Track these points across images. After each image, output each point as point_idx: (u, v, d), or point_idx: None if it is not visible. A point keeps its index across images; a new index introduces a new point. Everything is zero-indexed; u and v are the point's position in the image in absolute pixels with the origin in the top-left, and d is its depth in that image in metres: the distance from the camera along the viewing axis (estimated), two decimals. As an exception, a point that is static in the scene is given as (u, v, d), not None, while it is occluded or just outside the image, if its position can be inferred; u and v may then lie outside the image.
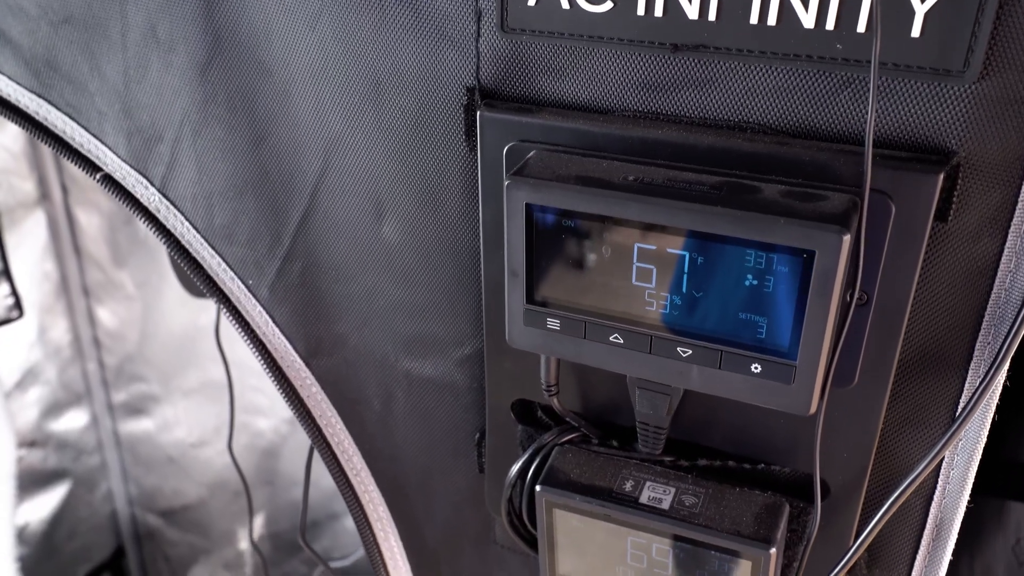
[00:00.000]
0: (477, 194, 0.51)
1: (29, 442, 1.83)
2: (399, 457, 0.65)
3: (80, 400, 1.90)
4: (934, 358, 0.45)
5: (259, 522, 2.02)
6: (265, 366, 0.64)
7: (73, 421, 1.90)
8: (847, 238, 0.39)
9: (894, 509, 0.46)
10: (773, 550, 0.48)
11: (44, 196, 1.69)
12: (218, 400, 1.85)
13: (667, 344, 0.45)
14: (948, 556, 0.50)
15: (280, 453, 1.89)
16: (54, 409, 1.86)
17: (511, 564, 0.66)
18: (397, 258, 0.57)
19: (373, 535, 0.68)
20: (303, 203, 0.57)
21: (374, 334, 0.61)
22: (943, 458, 0.47)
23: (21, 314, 1.70)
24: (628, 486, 0.52)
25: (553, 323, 0.47)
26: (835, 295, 0.40)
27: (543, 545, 0.55)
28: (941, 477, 0.48)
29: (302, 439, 1.86)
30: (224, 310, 0.63)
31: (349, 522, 1.94)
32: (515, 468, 0.56)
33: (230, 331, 1.25)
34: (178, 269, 1.05)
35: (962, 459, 0.47)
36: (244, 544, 2.05)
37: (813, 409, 0.43)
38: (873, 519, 0.47)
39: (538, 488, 0.52)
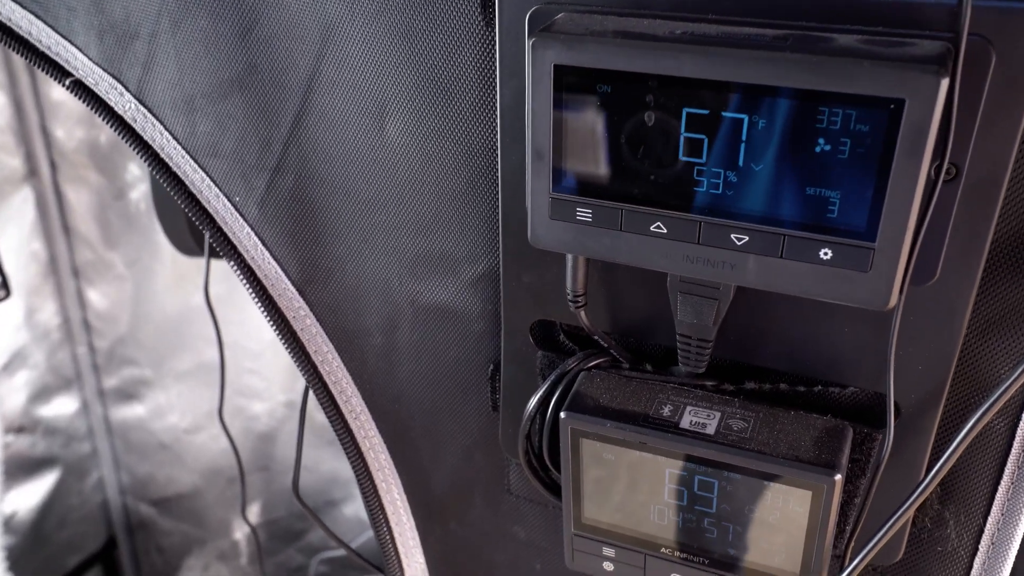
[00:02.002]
0: (493, 78, 0.45)
1: (17, 428, 1.77)
2: (403, 397, 0.58)
3: (70, 385, 1.83)
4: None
5: (254, 510, 1.95)
6: (254, 295, 0.57)
7: (63, 407, 1.83)
8: (944, 82, 0.32)
9: (975, 432, 0.40)
10: (839, 476, 0.41)
11: (32, 172, 1.63)
12: (212, 383, 1.79)
13: (719, 231, 0.38)
14: (1035, 489, 0.43)
15: (276, 438, 1.82)
16: (43, 394, 1.79)
17: (527, 516, 0.59)
18: (402, 164, 0.50)
19: (374, 486, 0.61)
20: (296, 102, 0.51)
21: (376, 255, 0.54)
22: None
23: (8, 294, 1.63)
24: (666, 411, 0.45)
25: (584, 213, 0.41)
26: (926, 157, 0.34)
27: (567, 485, 0.48)
28: (1032, 394, 0.42)
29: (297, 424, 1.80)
30: (209, 234, 0.57)
31: (347, 509, 1.87)
32: (535, 398, 0.50)
33: (226, 314, 1.17)
34: (167, 224, 0.98)
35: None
36: (239, 534, 1.99)
37: (892, 302, 0.37)
38: (949, 446, 0.40)
39: (563, 415, 0.46)
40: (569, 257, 0.44)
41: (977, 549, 0.46)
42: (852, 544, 0.46)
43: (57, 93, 1.54)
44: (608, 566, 0.50)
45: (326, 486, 1.86)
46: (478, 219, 0.50)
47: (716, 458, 0.43)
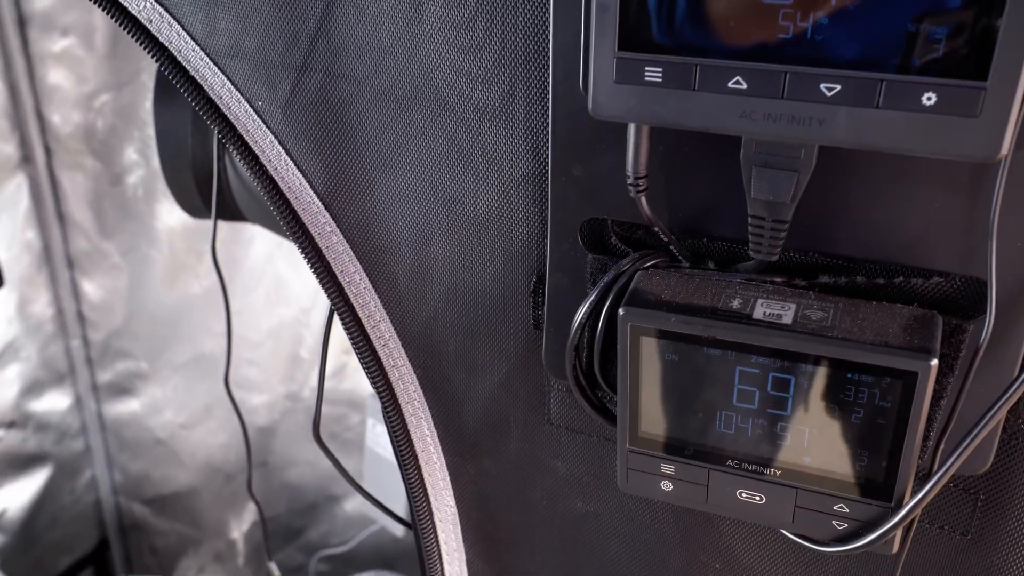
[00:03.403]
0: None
1: (8, 423, 1.72)
2: (436, 319, 0.55)
3: (63, 379, 1.78)
4: None
5: (252, 508, 1.90)
6: (277, 211, 0.54)
7: (55, 402, 1.78)
8: None
9: None
10: (934, 361, 0.37)
11: (26, 159, 1.59)
12: (211, 375, 1.74)
13: (807, 80, 0.35)
14: None
15: (275, 432, 1.78)
16: (35, 388, 1.75)
17: (568, 448, 0.55)
18: (442, 52, 0.47)
19: (403, 420, 0.57)
20: (326, -10, 0.48)
21: (409, 161, 0.50)
22: None
23: (1, 284, 1.59)
24: (735, 303, 0.42)
25: (654, 72, 0.37)
26: None
27: (623, 395, 0.44)
28: None
29: (300, 417, 1.76)
30: (232, 144, 0.53)
31: (348, 505, 1.82)
32: (586, 303, 0.46)
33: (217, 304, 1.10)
34: (174, 183, 0.94)
35: None
36: (236, 533, 1.94)
37: (1004, 150, 0.33)
38: None
39: (621, 311, 0.42)
40: (631, 132, 0.41)
41: (1075, 454, 0.42)
42: (939, 454, 0.42)
43: (53, 76, 1.50)
44: (667, 486, 0.46)
45: (326, 482, 1.81)
46: (524, 109, 0.46)
47: (796, 348, 0.39)
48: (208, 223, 1.06)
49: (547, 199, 0.47)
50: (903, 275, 0.42)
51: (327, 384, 1.67)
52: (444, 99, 0.48)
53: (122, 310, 1.78)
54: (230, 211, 0.96)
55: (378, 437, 1.50)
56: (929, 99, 0.33)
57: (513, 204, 0.49)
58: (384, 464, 1.47)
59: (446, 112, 0.48)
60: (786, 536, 0.51)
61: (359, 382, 1.66)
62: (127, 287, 1.74)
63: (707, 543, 0.54)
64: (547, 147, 0.46)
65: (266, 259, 1.65)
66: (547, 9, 0.43)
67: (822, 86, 0.35)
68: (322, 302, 1.61)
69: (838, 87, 0.34)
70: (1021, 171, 0.37)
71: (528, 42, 0.44)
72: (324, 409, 1.70)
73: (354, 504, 1.81)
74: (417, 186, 0.51)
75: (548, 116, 0.45)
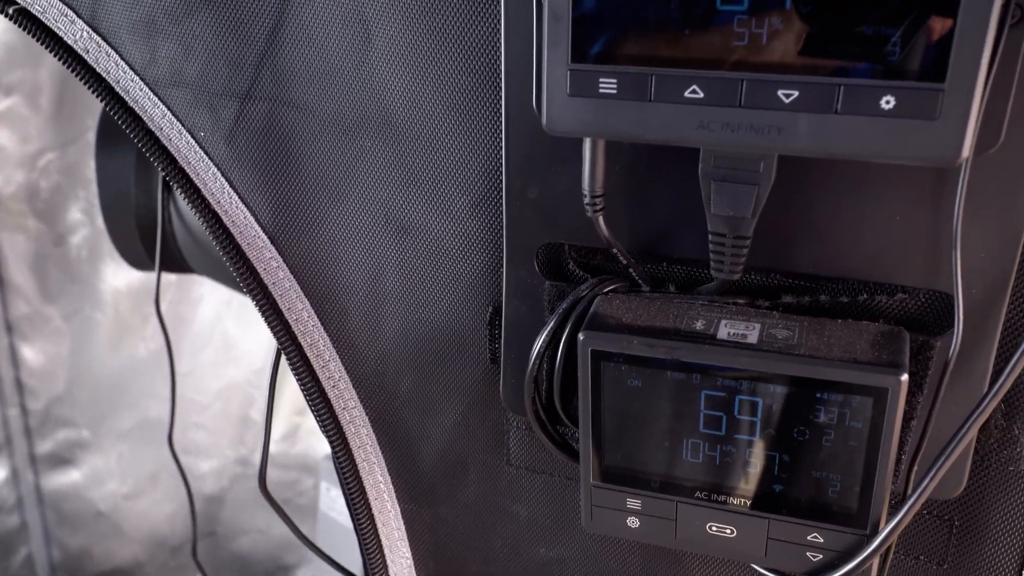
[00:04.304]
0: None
1: (-63, 498, 1.63)
2: (388, 357, 0.52)
3: (-2, 451, 1.70)
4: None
5: (199, 580, 1.81)
6: (221, 247, 0.51)
7: (-11, 475, 1.70)
8: None
9: None
10: (904, 376, 0.36)
11: (-38, 219, 1.54)
12: (156, 441, 1.68)
13: (765, 87, 0.34)
14: (1113, 394, 0.39)
15: (224, 500, 1.71)
16: (-33, 461, 1.66)
17: (529, 492, 0.53)
18: (391, 77, 0.45)
19: (354, 467, 0.54)
20: (271, 15, 0.46)
21: (359, 191, 0.49)
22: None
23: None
24: (699, 325, 0.40)
25: (608, 84, 0.36)
26: None
27: (585, 426, 0.42)
28: (1106, 278, 0.38)
29: (250, 482, 1.69)
30: (172, 179, 0.51)
31: (302, 574, 1.75)
32: (544, 332, 0.44)
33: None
34: (117, 234, 0.91)
35: None
36: (185, 612, 1.84)
37: (965, 152, 0.33)
38: (1016, 352, 0.36)
39: (581, 335, 0.40)
40: (587, 147, 0.40)
41: (1050, 473, 0.41)
42: (912, 477, 0.40)
43: (-6, 137, 1.47)
44: (633, 522, 0.44)
45: (279, 551, 1.74)
46: (477, 132, 0.45)
47: (763, 368, 0.38)
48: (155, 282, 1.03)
49: (502, 224, 0.45)
50: (867, 293, 0.41)
51: (278, 448, 1.62)
52: (394, 124, 0.46)
53: (64, 376, 1.71)
54: (175, 262, 0.93)
55: (333, 501, 1.45)
56: (888, 103, 0.33)
57: (467, 231, 0.47)
58: (339, 530, 1.41)
59: (396, 137, 0.47)
60: (759, 573, 0.49)
61: (312, 444, 1.61)
62: (69, 352, 1.68)
63: (678, 587, 0.52)
64: (501, 170, 0.44)
65: (215, 318, 1.61)
66: (499, 28, 0.42)
67: (780, 93, 0.34)
68: (272, 360, 1.56)
69: (796, 93, 0.34)
70: (982, 180, 0.36)
71: (480, 63, 0.43)
72: (275, 474, 1.64)
73: (309, 573, 1.74)
74: (367, 216, 0.49)
75: (501, 137, 0.43)
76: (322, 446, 1.60)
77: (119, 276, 1.58)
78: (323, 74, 0.47)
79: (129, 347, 1.65)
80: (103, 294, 1.61)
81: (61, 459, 1.73)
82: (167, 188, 0.87)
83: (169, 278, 1.68)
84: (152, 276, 1.46)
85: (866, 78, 0.33)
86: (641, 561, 0.52)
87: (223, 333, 1.63)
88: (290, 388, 1.63)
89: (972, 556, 0.44)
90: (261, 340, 1.60)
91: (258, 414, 1.67)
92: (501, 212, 0.45)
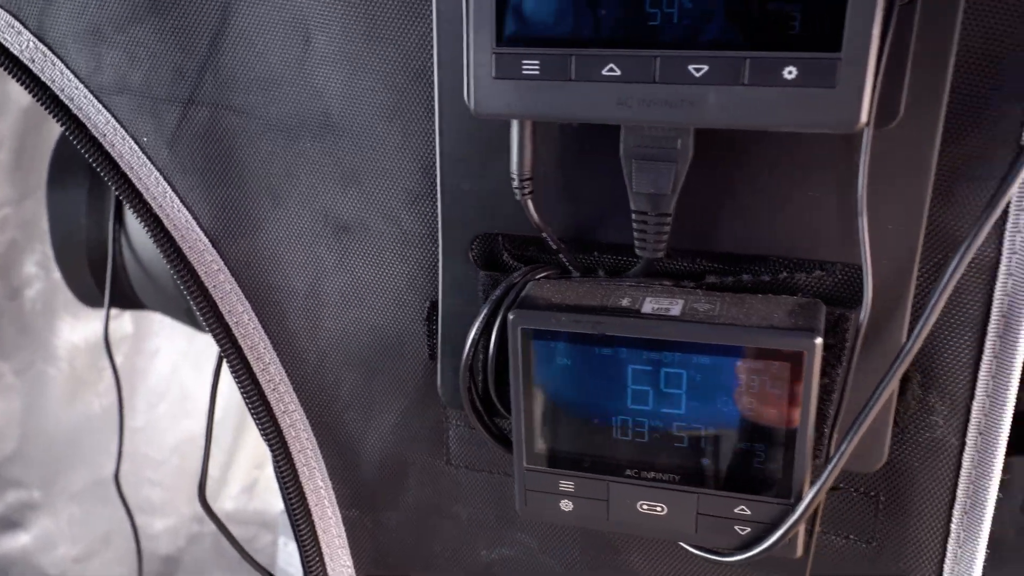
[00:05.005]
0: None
1: None
2: (328, 358, 0.53)
3: (-59, 517, 1.65)
4: (991, 78, 0.38)
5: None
6: (162, 250, 0.52)
7: (-70, 544, 1.64)
8: None
9: (951, 286, 0.37)
10: (819, 340, 0.38)
11: (-96, 272, 1.52)
12: (110, 501, 1.63)
13: (677, 63, 0.36)
14: (1019, 360, 0.40)
15: (180, 561, 1.66)
16: (-93, 528, 1.61)
17: (470, 491, 0.53)
18: (331, 79, 0.47)
19: (294, 472, 0.54)
20: (213, 22, 0.48)
21: (299, 192, 0.50)
22: (1009, 215, 0.39)
23: None
24: (625, 302, 0.41)
25: (531, 65, 0.38)
26: None
27: (517, 408, 0.43)
28: (1006, 245, 0.39)
29: (207, 541, 1.64)
30: (115, 185, 0.52)
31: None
32: (478, 320, 0.45)
33: (126, 420, 1.05)
34: (67, 270, 0.91)
35: (1031, 217, 0.39)
36: None
37: (863, 118, 0.35)
38: (921, 320, 0.38)
39: (511, 315, 0.41)
40: (514, 130, 0.41)
41: (965, 442, 0.42)
42: (833, 443, 0.42)
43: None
44: (567, 505, 0.44)
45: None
46: (413, 128, 0.47)
47: (683, 337, 0.39)
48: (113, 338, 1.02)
49: (438, 218, 0.47)
50: (787, 271, 0.43)
51: (236, 502, 1.58)
52: (333, 124, 0.48)
53: (14, 434, 1.67)
54: (126, 297, 0.92)
55: (290, 556, 1.42)
56: (790, 73, 0.35)
57: (405, 227, 0.49)
58: (297, 584, 1.37)
59: (335, 137, 0.48)
60: (700, 564, 0.49)
61: (270, 500, 1.58)
62: (21, 408, 1.65)
63: (618, 583, 0.52)
64: (435, 165, 0.46)
65: (171, 371, 1.59)
66: (431, 27, 0.44)
67: (690, 67, 0.36)
68: (232, 413, 1.55)
69: (706, 67, 0.36)
70: (885, 153, 0.39)
71: (414, 61, 0.45)
72: (233, 529, 1.60)
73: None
74: (307, 217, 0.50)
75: (435, 133, 0.45)
76: (280, 501, 1.57)
77: (75, 330, 1.56)
78: (264, 78, 0.48)
79: (84, 402, 1.61)
80: (57, 348, 1.59)
81: (9, 522, 1.67)
82: (118, 220, 0.87)
83: (125, 330, 1.67)
84: (116, 327, 1.45)
85: (769, 51, 0.35)
86: (582, 558, 0.52)
87: (180, 385, 1.61)
88: (251, 440, 1.60)
89: (900, 534, 0.45)
90: (220, 391, 1.57)
91: (217, 469, 1.63)
92: (437, 207, 0.47)
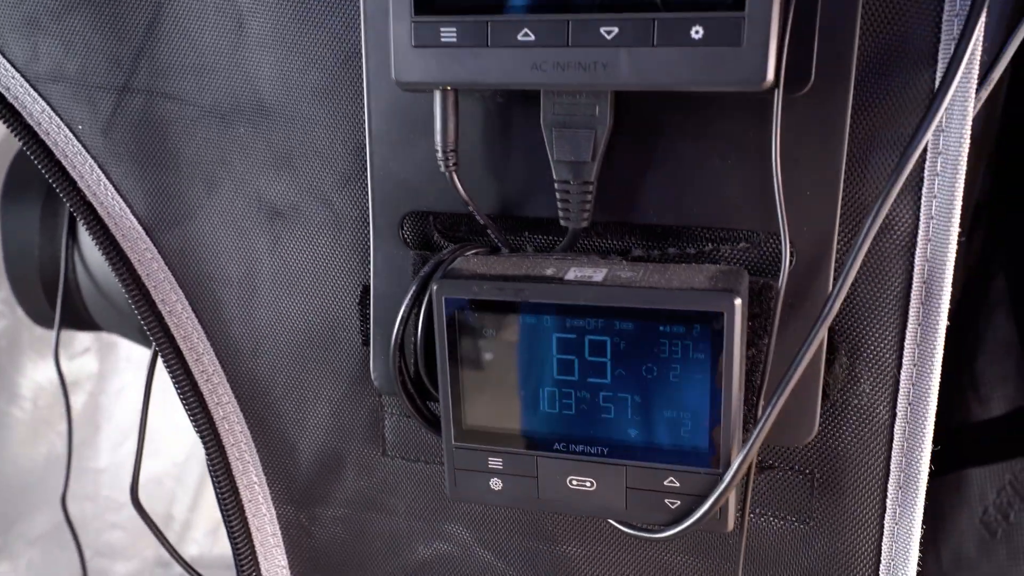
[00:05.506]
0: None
1: None
2: (262, 347, 0.52)
3: None
4: (900, 42, 0.38)
5: None
6: (95, 239, 0.51)
7: None
8: None
9: (867, 243, 0.37)
10: (739, 300, 0.37)
11: None
12: (69, 545, 1.59)
13: (588, 27, 0.37)
14: (943, 327, 0.40)
15: (143, 607, 1.61)
16: None
17: (406, 484, 0.52)
18: (264, 62, 0.47)
19: (227, 467, 0.53)
20: (148, 9, 0.48)
21: (234, 177, 0.50)
22: (925, 180, 0.39)
23: None
24: (549, 271, 0.41)
25: (449, 33, 0.38)
26: None
27: (444, 381, 0.42)
28: (923, 211, 0.40)
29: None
30: (48, 173, 0.52)
31: None
32: (407, 297, 0.45)
33: (87, 461, 1.03)
34: (18, 286, 0.90)
35: (945, 179, 0.39)
36: None
37: (770, 75, 0.35)
38: (839, 281, 0.38)
39: (434, 285, 0.41)
40: (437, 100, 0.41)
41: (895, 413, 0.42)
42: (761, 410, 0.41)
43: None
44: (497, 484, 0.43)
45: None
46: (343, 109, 0.47)
47: (605, 302, 0.39)
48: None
49: (368, 200, 0.47)
50: (712, 243, 0.43)
51: (201, 547, 1.55)
52: (266, 108, 0.48)
53: (-32, 479, 1.63)
54: (79, 317, 0.91)
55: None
56: (697, 32, 0.35)
57: (337, 210, 0.48)
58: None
59: (269, 121, 0.48)
60: (635, 560, 0.48)
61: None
62: (-26, 454, 1.61)
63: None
64: (365, 145, 0.46)
65: (136, 411, 1.56)
66: (360, 7, 0.44)
67: (602, 30, 0.36)
68: (199, 453, 1.52)
69: (616, 29, 0.36)
70: (798, 120, 0.39)
71: (344, 42, 0.46)
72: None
73: None
74: (241, 203, 0.50)
75: (365, 113, 0.45)
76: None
77: (40, 370, 1.54)
78: (198, 64, 0.48)
79: (47, 443, 1.58)
80: (21, 388, 1.56)
81: (-34, 568, 1.63)
82: (72, 237, 0.86)
83: (90, 369, 1.64)
84: (81, 366, 1.42)
85: (677, 11, 0.35)
86: (519, 549, 0.51)
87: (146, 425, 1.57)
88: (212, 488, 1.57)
89: (835, 510, 0.44)
90: (186, 433, 1.55)
91: (181, 510, 1.60)
92: (367, 188, 0.46)
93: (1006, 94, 0.62)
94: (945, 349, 0.41)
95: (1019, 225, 0.75)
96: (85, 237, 0.88)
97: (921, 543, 0.44)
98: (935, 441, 0.42)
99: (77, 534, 1.55)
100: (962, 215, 0.40)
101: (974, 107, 0.38)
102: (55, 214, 0.87)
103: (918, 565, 0.44)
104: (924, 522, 0.43)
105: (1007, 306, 0.79)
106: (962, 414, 0.79)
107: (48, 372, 1.53)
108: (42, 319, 0.92)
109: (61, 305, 0.87)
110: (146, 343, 0.92)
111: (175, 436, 1.53)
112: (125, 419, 1.57)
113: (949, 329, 0.41)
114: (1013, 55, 0.38)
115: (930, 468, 0.43)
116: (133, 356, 1.56)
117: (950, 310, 0.40)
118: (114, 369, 1.61)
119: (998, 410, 0.78)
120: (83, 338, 1.63)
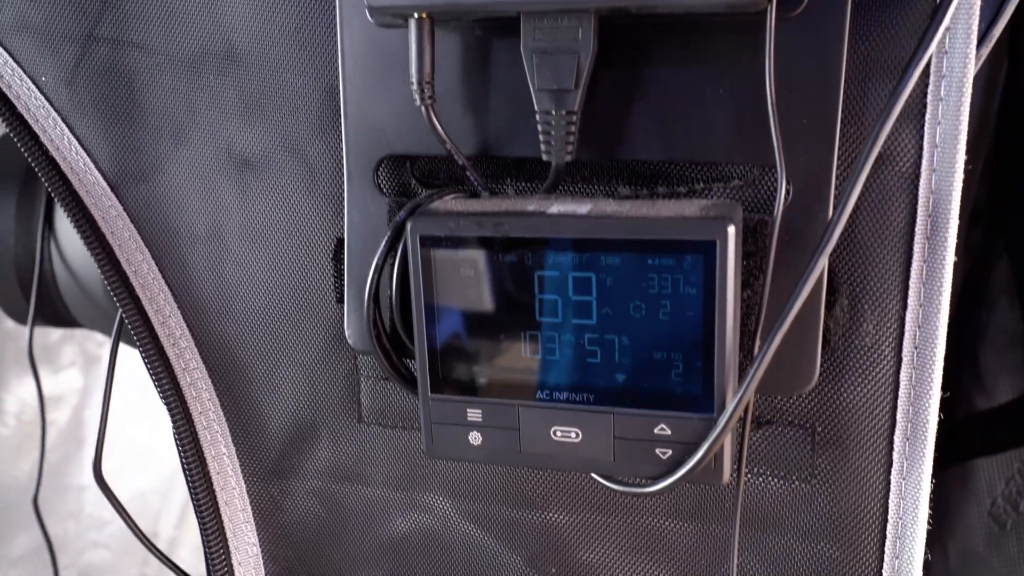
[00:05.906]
0: None
1: None
2: (231, 307, 0.49)
3: None
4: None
5: None
6: (56, 194, 0.49)
7: None
8: None
9: (867, 168, 0.35)
10: (732, 227, 0.35)
11: None
12: (51, 566, 1.55)
13: (570, -63, 0.35)
14: (950, 263, 0.38)
15: (126, 624, 1.56)
16: None
17: (382, 451, 0.49)
18: (233, 7, 0.45)
19: (194, 437, 0.50)
20: (115, -49, 0.46)
21: (201, 125, 0.47)
22: (927, 106, 0.37)
23: None
24: (531, 207, 0.39)
25: (422, -49, 0.36)
26: None
27: (419, 327, 0.40)
28: (926, 139, 0.37)
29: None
30: (10, 127, 0.49)
31: None
32: (382, 245, 0.42)
33: (71, 479, 1.01)
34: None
35: (949, 104, 0.37)
36: None
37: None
38: (835, 217, 0.35)
39: (409, 223, 0.39)
40: (412, 29, 0.39)
41: (901, 359, 0.39)
42: (757, 349, 0.38)
43: None
44: (476, 438, 0.40)
45: None
46: (315, 55, 0.45)
47: (589, 234, 0.36)
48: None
49: (342, 147, 0.44)
50: (704, 182, 0.40)
51: (188, 567, 1.50)
52: (236, 54, 0.46)
53: (-53, 502, 1.59)
54: (56, 312, 0.89)
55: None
56: (686, -58, 0.33)
57: (310, 160, 0.46)
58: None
59: (239, 67, 0.46)
60: (625, 527, 0.45)
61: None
62: (-47, 475, 1.58)
63: (543, 546, 0.47)
64: (339, 90, 0.44)
65: (120, 425, 1.53)
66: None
67: (584, -60, 0.34)
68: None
69: (599, -61, 0.34)
70: (792, 44, 0.37)
71: (317, -20, 0.44)
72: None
73: None
74: (209, 155, 0.48)
75: (338, 55, 0.43)
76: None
77: (24, 386, 1.51)
78: (166, 10, 0.46)
79: (30, 460, 1.55)
80: (6, 404, 1.53)
81: (-53, 591, 1.58)
82: (48, 226, 0.84)
83: (75, 384, 1.61)
84: (65, 380, 1.39)
85: (662, -84, 0.33)
86: (503, 518, 0.48)
87: (130, 439, 1.55)
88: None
89: (838, 467, 0.42)
90: (170, 447, 1.52)
91: (168, 529, 1.56)
92: (341, 135, 0.44)
93: (1003, 83, 0.61)
94: (946, 347, 0.38)
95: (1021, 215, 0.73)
96: (62, 228, 0.85)
97: (927, 541, 0.41)
98: (937, 438, 0.40)
99: (56, 557, 1.51)
100: (961, 207, 0.37)
101: (978, 27, 0.36)
102: (32, 204, 0.85)
103: (923, 564, 0.41)
104: (929, 520, 0.40)
105: (1010, 295, 0.76)
106: (966, 407, 0.77)
107: (33, 388, 1.50)
108: (17, 314, 0.89)
109: (36, 298, 0.84)
110: (127, 339, 0.89)
111: (161, 451, 1.50)
112: (110, 435, 1.54)
113: (950, 321, 0.38)
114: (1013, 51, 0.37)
115: (932, 465, 0.40)
116: (118, 370, 1.52)
117: (951, 302, 0.38)
118: (98, 384, 1.58)
119: (1004, 399, 0.75)
120: (68, 352, 1.61)
